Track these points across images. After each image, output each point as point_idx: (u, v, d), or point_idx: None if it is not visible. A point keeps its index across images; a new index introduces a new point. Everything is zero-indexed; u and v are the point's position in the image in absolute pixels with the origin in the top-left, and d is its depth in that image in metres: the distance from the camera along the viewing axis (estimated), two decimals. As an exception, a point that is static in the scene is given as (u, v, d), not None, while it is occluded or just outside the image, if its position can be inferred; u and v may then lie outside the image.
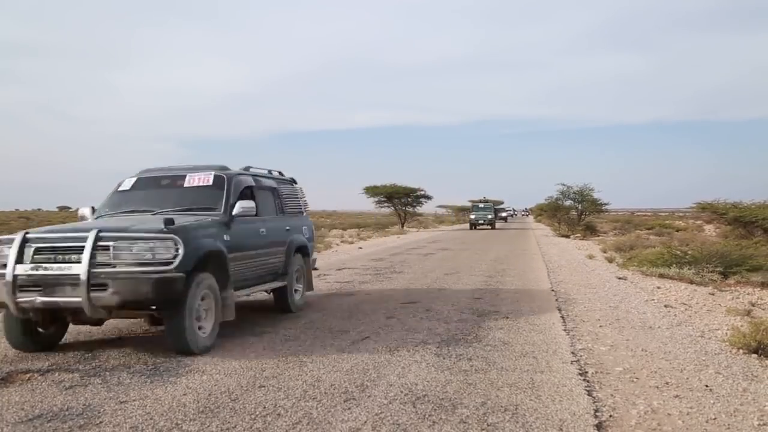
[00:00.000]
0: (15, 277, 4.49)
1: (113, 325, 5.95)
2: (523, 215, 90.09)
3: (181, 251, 4.59)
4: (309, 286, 7.51)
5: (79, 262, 4.45)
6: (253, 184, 6.45)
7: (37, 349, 4.97)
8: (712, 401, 3.74)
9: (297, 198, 7.68)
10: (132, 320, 5.84)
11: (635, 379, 4.20)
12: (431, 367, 4.43)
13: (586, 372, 4.35)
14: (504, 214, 51.70)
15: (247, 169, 6.71)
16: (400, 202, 40.93)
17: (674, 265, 10.52)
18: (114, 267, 4.51)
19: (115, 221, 5.50)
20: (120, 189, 6.27)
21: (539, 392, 3.85)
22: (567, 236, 27.43)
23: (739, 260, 10.25)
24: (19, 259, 4.56)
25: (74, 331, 5.63)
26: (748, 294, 8.45)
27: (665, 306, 7.43)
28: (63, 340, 5.28)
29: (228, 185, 5.91)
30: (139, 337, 5.68)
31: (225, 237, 5.42)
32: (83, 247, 4.49)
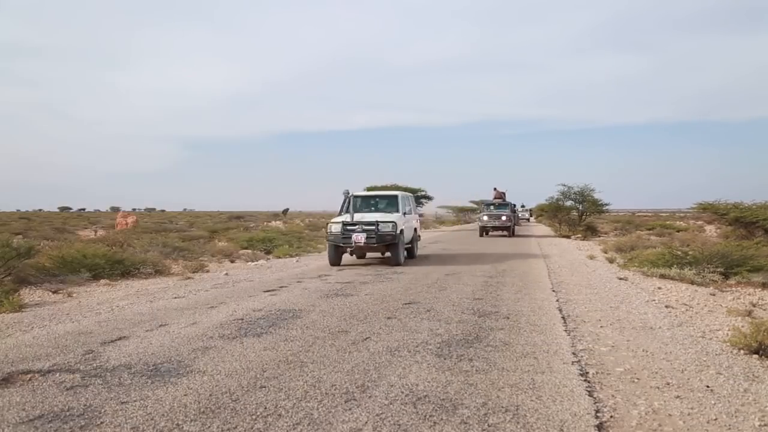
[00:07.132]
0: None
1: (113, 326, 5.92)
2: (522, 217, 50.10)
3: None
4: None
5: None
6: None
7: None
8: (713, 402, 3.74)
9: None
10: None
11: (636, 380, 4.20)
12: (432, 368, 4.43)
13: (587, 372, 4.35)
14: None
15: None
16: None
17: (675, 266, 10.52)
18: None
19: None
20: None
21: (540, 393, 3.85)
22: (568, 237, 27.43)
23: (740, 261, 10.25)
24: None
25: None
26: (749, 294, 8.44)
27: (666, 306, 7.42)
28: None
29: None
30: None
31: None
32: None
